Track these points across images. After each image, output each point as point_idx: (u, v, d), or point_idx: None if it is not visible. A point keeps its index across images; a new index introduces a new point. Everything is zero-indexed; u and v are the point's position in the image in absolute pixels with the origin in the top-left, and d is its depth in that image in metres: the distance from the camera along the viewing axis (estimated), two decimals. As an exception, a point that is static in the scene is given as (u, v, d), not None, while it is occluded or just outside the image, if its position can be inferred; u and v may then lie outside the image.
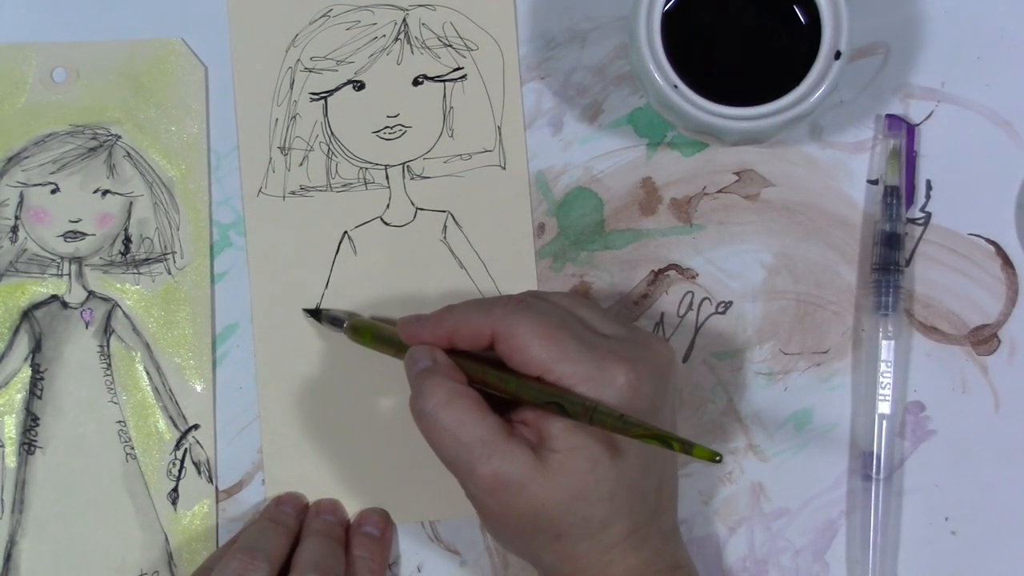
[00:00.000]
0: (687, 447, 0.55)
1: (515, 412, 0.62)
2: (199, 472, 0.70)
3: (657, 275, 0.71)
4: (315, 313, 0.70)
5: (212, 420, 0.70)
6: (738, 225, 0.71)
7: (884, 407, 0.69)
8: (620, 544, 0.60)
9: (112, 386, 0.70)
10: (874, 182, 0.71)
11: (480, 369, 0.62)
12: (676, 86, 0.64)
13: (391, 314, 0.70)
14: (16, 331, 0.70)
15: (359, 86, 0.71)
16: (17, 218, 0.70)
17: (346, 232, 0.71)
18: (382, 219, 0.71)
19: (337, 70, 0.71)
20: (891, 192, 0.70)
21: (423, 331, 0.63)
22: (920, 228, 0.71)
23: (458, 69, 0.71)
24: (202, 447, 0.70)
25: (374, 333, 0.67)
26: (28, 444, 0.70)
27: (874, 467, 0.69)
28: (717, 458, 0.55)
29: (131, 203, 0.71)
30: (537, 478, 0.59)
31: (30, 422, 0.70)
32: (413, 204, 0.71)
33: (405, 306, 0.70)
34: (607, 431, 0.58)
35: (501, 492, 0.59)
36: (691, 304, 0.71)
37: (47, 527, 0.69)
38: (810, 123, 0.71)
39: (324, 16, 0.71)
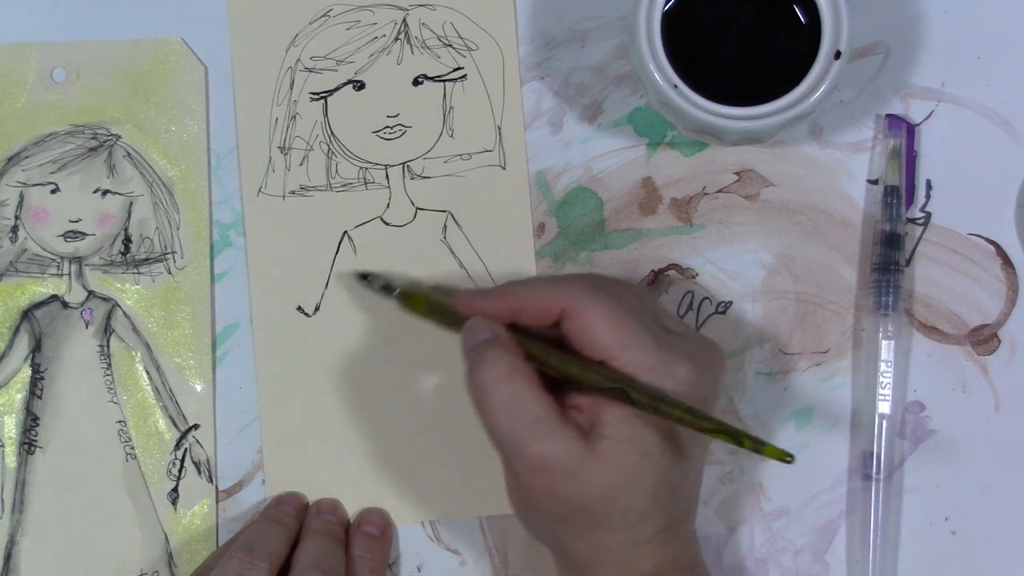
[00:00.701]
0: (758, 445, 0.55)
1: (567, 396, 0.61)
2: (199, 472, 0.70)
3: (657, 275, 0.71)
4: (364, 277, 0.69)
5: (212, 420, 0.70)
6: (738, 225, 0.71)
7: (884, 407, 0.69)
8: (651, 540, 0.60)
9: (112, 386, 0.70)
10: (874, 182, 0.71)
11: (542, 350, 0.61)
12: (676, 86, 0.64)
13: (392, 314, 0.70)
14: (16, 331, 0.70)
15: (359, 86, 0.71)
16: (17, 218, 0.70)
17: (346, 232, 0.71)
18: (382, 219, 0.71)
19: (337, 70, 0.71)
20: (891, 192, 0.70)
21: (486, 304, 0.62)
22: (920, 228, 0.71)
23: (458, 69, 0.71)
24: (202, 447, 0.70)
25: (428, 303, 0.65)
26: (28, 444, 0.70)
27: (874, 467, 0.69)
28: (788, 459, 0.55)
29: (131, 203, 0.71)
30: (586, 464, 0.58)
31: (30, 422, 0.70)
32: (413, 204, 0.71)
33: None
34: (671, 423, 0.58)
35: (547, 474, 0.59)
36: (691, 304, 0.71)
37: (47, 527, 0.69)
38: (810, 123, 0.71)
39: (324, 16, 0.71)
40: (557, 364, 0.60)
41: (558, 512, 0.60)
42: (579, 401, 0.60)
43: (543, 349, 0.61)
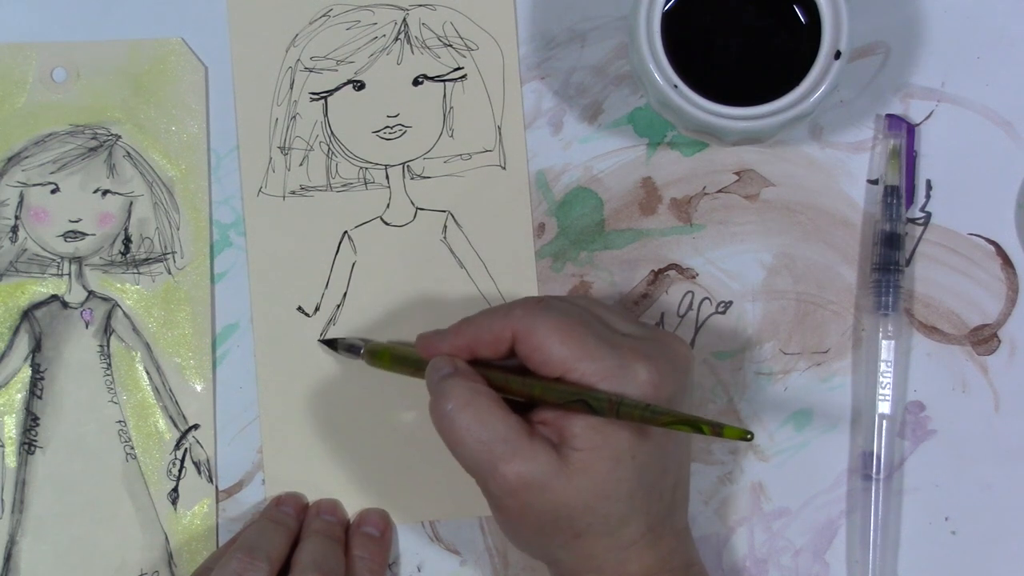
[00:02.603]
0: (717, 429, 0.55)
1: (534, 413, 0.61)
2: (199, 472, 0.70)
3: (657, 275, 0.71)
4: (331, 343, 0.70)
5: (212, 420, 0.70)
6: (738, 225, 0.71)
7: (884, 407, 0.69)
8: (637, 543, 0.60)
9: (112, 386, 0.70)
10: (874, 182, 0.71)
11: (502, 377, 0.62)
12: (676, 86, 0.64)
13: (392, 314, 0.70)
14: (16, 331, 0.70)
15: (359, 86, 0.71)
16: (17, 218, 0.70)
17: (346, 232, 0.71)
18: (382, 219, 0.71)
19: (337, 70, 0.71)
20: (891, 192, 0.70)
21: (442, 344, 0.63)
22: (920, 228, 0.71)
23: (458, 69, 0.71)
24: (202, 447, 0.70)
25: (392, 355, 0.67)
26: (28, 444, 0.70)
27: (874, 467, 0.69)
28: (748, 436, 0.55)
29: (131, 203, 0.71)
30: (560, 477, 0.59)
31: (30, 422, 0.70)
32: (413, 204, 0.71)
33: (404, 306, 0.70)
34: (633, 423, 0.58)
35: (523, 492, 0.59)
36: (691, 304, 0.71)
37: (47, 527, 0.69)
38: (810, 123, 0.71)
39: (324, 16, 0.71)
40: (519, 388, 0.61)
41: (540, 527, 0.60)
42: (546, 416, 0.61)
43: (504, 377, 0.62)
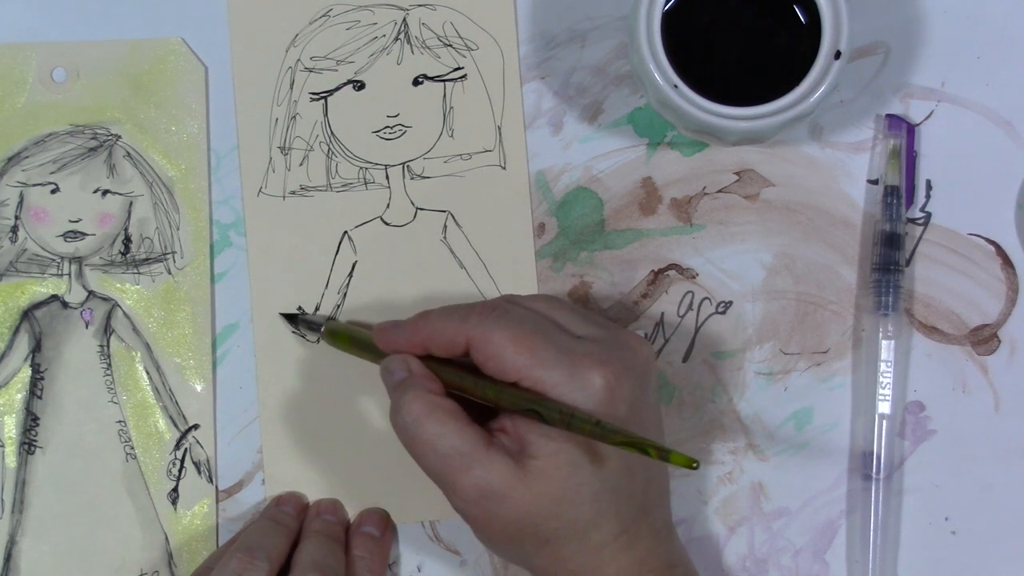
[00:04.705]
0: (664, 454, 0.55)
1: (495, 420, 0.62)
2: (199, 472, 0.70)
3: (657, 275, 0.71)
4: (291, 318, 0.70)
5: (212, 420, 0.70)
6: (738, 225, 0.71)
7: (884, 407, 0.69)
8: (610, 544, 0.60)
9: (112, 386, 0.70)
10: (874, 182, 0.71)
11: (457, 375, 0.62)
12: (676, 86, 0.64)
13: (392, 315, 0.70)
14: (16, 331, 0.70)
15: (359, 86, 0.71)
16: (17, 218, 0.70)
17: (346, 232, 0.71)
18: (382, 219, 0.71)
19: (337, 70, 0.71)
20: (891, 192, 0.70)
21: (399, 338, 0.63)
22: (920, 228, 0.71)
23: (458, 69, 0.71)
24: (202, 447, 0.70)
25: (351, 338, 0.67)
26: (28, 444, 0.70)
27: (874, 467, 0.69)
28: (694, 465, 0.54)
29: (131, 203, 0.71)
30: (518, 486, 0.59)
31: (30, 422, 0.70)
32: (413, 204, 0.71)
33: (404, 306, 0.70)
34: (585, 437, 0.58)
35: (484, 502, 0.59)
36: (691, 304, 0.71)
37: (47, 527, 0.69)
38: (810, 123, 0.71)
39: (324, 16, 0.71)
40: (473, 389, 0.61)
41: (508, 534, 0.60)
42: (505, 424, 0.61)
43: (459, 376, 0.62)
